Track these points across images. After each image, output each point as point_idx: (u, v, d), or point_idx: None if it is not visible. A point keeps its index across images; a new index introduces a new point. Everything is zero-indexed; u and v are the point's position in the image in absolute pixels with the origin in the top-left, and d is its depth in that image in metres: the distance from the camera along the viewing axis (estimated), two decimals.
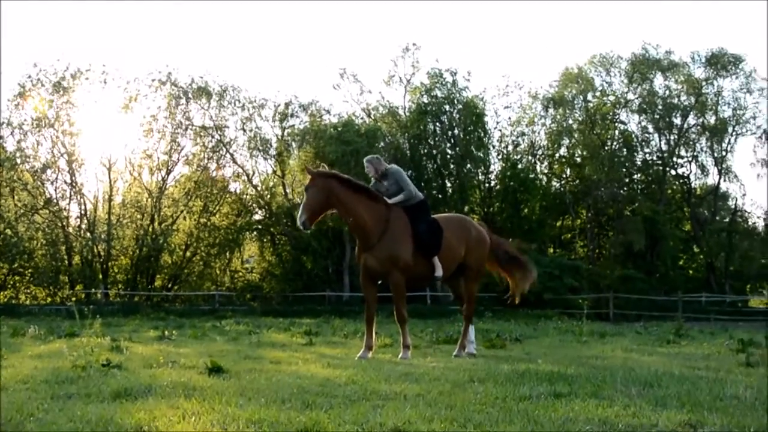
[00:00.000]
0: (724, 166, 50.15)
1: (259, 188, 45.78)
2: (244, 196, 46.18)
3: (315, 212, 10.92)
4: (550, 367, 8.76)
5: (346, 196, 10.86)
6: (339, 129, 41.91)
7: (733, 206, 52.04)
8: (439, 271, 11.10)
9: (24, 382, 7.42)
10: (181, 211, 43.30)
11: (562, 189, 51.26)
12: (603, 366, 9.39)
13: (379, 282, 11.29)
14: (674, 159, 50.73)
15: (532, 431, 5.02)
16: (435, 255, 11.07)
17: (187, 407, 5.76)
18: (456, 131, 47.10)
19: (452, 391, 6.76)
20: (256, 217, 46.99)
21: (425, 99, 47.18)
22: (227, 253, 45.99)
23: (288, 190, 45.71)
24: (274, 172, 45.97)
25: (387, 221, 10.90)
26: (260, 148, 44.54)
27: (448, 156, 47.69)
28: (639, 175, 51.86)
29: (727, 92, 49.65)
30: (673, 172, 51.24)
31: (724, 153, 50.12)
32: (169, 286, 43.46)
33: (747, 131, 49.98)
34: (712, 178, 51.50)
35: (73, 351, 10.22)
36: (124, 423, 5.13)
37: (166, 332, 16.56)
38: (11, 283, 41.32)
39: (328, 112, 45.81)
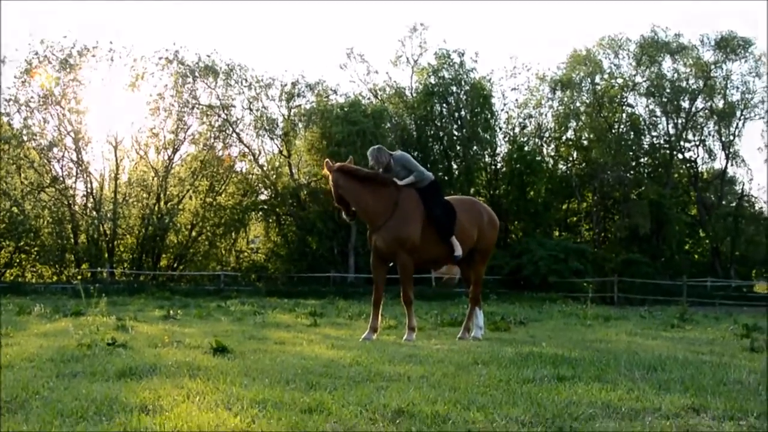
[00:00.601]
0: (731, 150, 50.04)
1: (265, 168, 45.63)
2: (250, 176, 45.94)
3: (341, 205, 11.30)
4: (554, 351, 8.79)
5: (351, 187, 11.06)
6: (346, 109, 41.79)
7: (739, 191, 51.99)
8: (458, 251, 11.15)
9: (29, 360, 7.46)
10: (187, 191, 43.18)
11: (568, 172, 51.16)
12: (607, 350, 9.42)
13: (390, 264, 11.35)
14: (681, 143, 50.60)
15: (536, 414, 5.04)
16: (450, 236, 11.12)
17: (192, 387, 5.79)
18: (463, 113, 47.01)
19: (456, 373, 6.79)
20: (262, 197, 46.93)
21: (432, 80, 47.05)
22: (233, 234, 45.95)
23: (294, 171, 45.68)
24: (281, 152, 45.84)
25: (396, 203, 10.98)
26: (267, 127, 44.38)
27: (455, 137, 47.58)
28: (646, 158, 51.76)
29: (736, 76, 49.52)
30: (680, 156, 51.13)
31: (731, 137, 50.02)
32: (175, 265, 43.50)
33: (755, 115, 49.87)
34: (719, 163, 51.44)
35: (79, 330, 10.30)
36: (128, 402, 5.16)
37: (171, 312, 16.59)
38: (17, 261, 41.36)
39: (335, 92, 45.66)
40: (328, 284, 39.20)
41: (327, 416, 4.90)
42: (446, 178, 44.80)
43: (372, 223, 11.13)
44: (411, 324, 11.08)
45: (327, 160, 11.80)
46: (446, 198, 11.68)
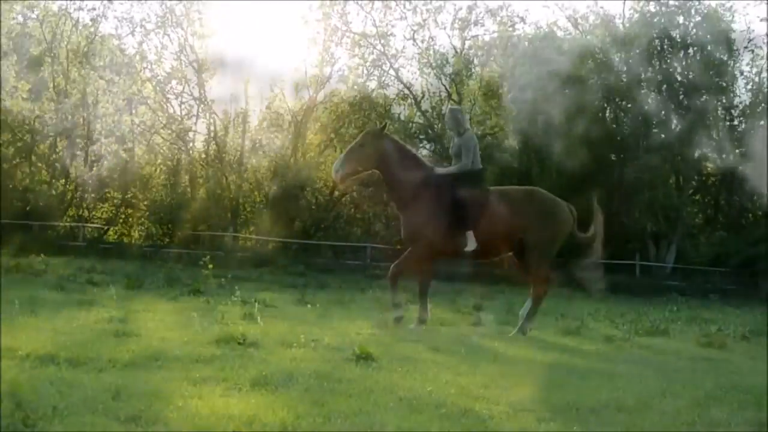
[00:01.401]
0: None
1: (428, 114, 45.32)
2: (410, 124, 45.74)
3: (355, 170, 13.39)
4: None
5: (390, 161, 13.05)
6: (535, 43, 41.41)
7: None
8: (471, 246, 12.77)
9: (155, 358, 8.13)
10: (331, 139, 43.11)
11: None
12: None
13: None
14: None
15: None
16: (467, 229, 12.76)
17: (333, 405, 6.42)
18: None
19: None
20: (424, 151, 45.64)
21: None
22: (384, 195, 45.16)
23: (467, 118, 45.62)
24: (449, 95, 45.24)
25: (424, 191, 12.94)
26: (433, 64, 44.02)
27: None
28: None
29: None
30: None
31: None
32: (312, 232, 42.70)
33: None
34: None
35: (204, 318, 11.25)
36: (266, 420, 5.84)
37: (306, 296, 17.52)
38: (123, 217, 42.93)
39: (523, 20, 44.86)
40: None
41: None
42: None
43: (397, 207, 13.37)
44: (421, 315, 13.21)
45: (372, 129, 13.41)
46: (501, 188, 13.99)
